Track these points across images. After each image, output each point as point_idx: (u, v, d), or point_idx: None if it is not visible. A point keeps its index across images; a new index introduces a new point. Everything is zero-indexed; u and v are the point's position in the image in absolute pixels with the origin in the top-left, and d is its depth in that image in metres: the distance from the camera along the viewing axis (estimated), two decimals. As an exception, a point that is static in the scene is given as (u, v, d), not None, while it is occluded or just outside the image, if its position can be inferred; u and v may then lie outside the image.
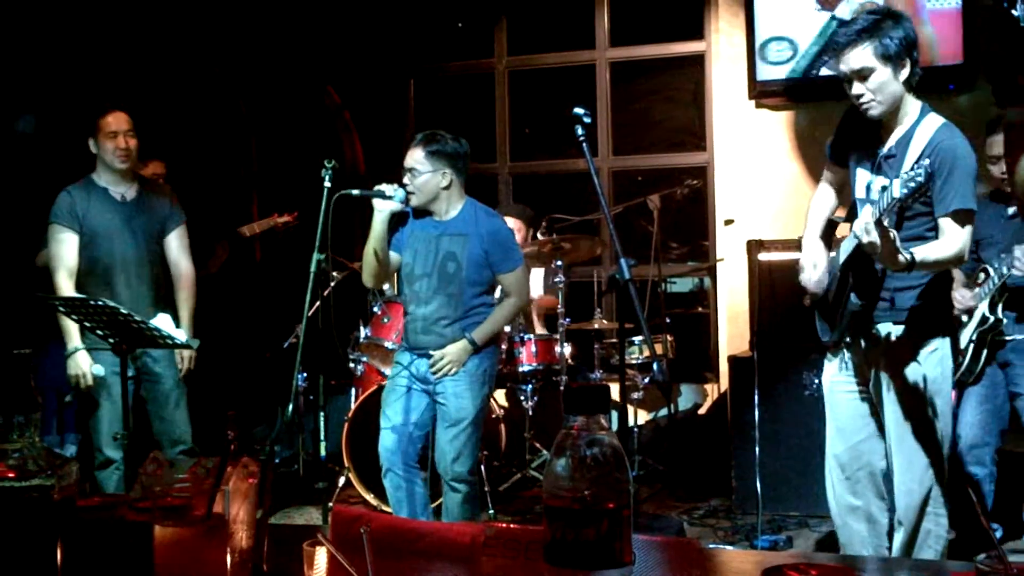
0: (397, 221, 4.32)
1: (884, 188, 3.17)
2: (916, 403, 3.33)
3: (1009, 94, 1.85)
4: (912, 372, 3.34)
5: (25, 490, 1.37)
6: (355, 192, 4.21)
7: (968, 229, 3.22)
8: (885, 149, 3.33)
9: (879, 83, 3.23)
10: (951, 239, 3.19)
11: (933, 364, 3.34)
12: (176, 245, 4.74)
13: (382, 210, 4.21)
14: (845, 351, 3.49)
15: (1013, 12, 1.94)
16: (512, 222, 6.06)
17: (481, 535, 1.48)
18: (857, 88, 3.27)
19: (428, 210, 4.27)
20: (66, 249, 4.49)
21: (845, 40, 3.26)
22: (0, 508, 1.36)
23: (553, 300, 6.24)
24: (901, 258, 3.08)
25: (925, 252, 3.15)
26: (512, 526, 1.48)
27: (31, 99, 6.00)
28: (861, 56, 3.23)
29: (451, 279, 4.21)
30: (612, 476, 1.21)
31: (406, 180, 4.22)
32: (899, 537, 3.42)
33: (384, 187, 4.20)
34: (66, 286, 4.45)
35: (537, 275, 6.30)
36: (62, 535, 1.36)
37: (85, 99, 4.97)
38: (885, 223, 3.03)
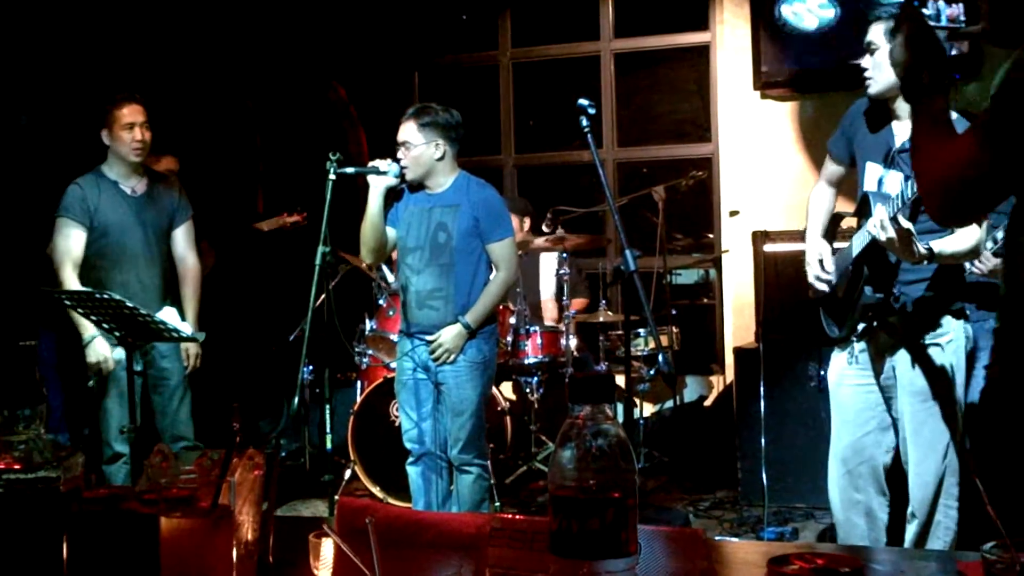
0: (392, 197, 4.34)
1: (908, 178, 3.17)
2: (932, 394, 3.33)
3: (915, 91, 1.88)
4: (927, 363, 3.34)
5: (31, 482, 1.37)
6: (350, 170, 4.22)
7: (984, 225, 3.29)
8: (898, 144, 3.34)
9: (879, 62, 3.28)
10: (968, 234, 3.23)
11: (948, 354, 3.34)
12: (183, 239, 4.74)
13: (377, 185, 4.23)
14: (855, 344, 3.48)
15: (925, 10, 1.94)
16: None
17: (487, 526, 1.48)
18: (865, 60, 3.35)
19: (422, 184, 4.29)
20: (73, 243, 4.49)
21: (874, 15, 3.36)
22: (6, 500, 1.37)
23: (583, 301, 6.25)
24: (917, 250, 3.10)
25: (942, 245, 3.20)
26: (518, 517, 1.48)
27: (39, 92, 6.00)
28: (875, 30, 3.31)
29: (442, 250, 4.21)
30: (617, 466, 1.20)
31: (400, 155, 4.24)
32: (912, 529, 3.42)
33: (378, 163, 4.23)
34: (71, 279, 4.45)
35: (548, 276, 6.29)
36: (68, 527, 1.36)
37: (94, 92, 4.97)
38: (901, 218, 3.06)
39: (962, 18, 2.02)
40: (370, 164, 4.25)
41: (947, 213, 2.11)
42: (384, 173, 4.20)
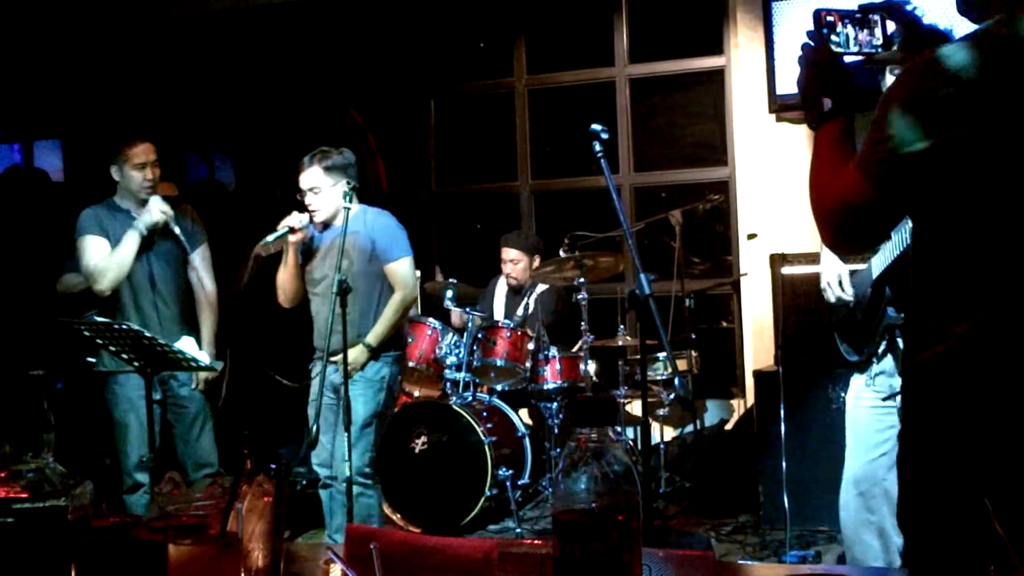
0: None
1: None
2: None
3: (815, 117, 1.88)
4: None
5: (39, 511, 1.38)
6: (269, 239, 4.51)
7: None
8: None
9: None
10: None
11: None
12: (199, 265, 4.76)
13: (294, 242, 4.50)
14: (874, 365, 3.47)
15: (834, 37, 1.91)
16: (512, 252, 6.16)
17: (495, 551, 1.48)
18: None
19: (328, 223, 4.55)
20: (98, 252, 4.49)
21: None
22: (14, 528, 1.37)
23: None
24: None
25: None
26: (527, 541, 1.47)
27: (59, 128, 6.08)
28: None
29: (344, 275, 4.30)
30: (620, 488, 1.20)
31: (308, 199, 4.51)
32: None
33: (291, 221, 4.46)
34: (100, 258, 4.46)
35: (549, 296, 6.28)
36: (76, 555, 1.37)
37: (110, 126, 5.04)
38: None
39: (875, 43, 1.99)
40: (282, 225, 4.47)
41: (838, 242, 2.04)
42: (300, 230, 4.46)
